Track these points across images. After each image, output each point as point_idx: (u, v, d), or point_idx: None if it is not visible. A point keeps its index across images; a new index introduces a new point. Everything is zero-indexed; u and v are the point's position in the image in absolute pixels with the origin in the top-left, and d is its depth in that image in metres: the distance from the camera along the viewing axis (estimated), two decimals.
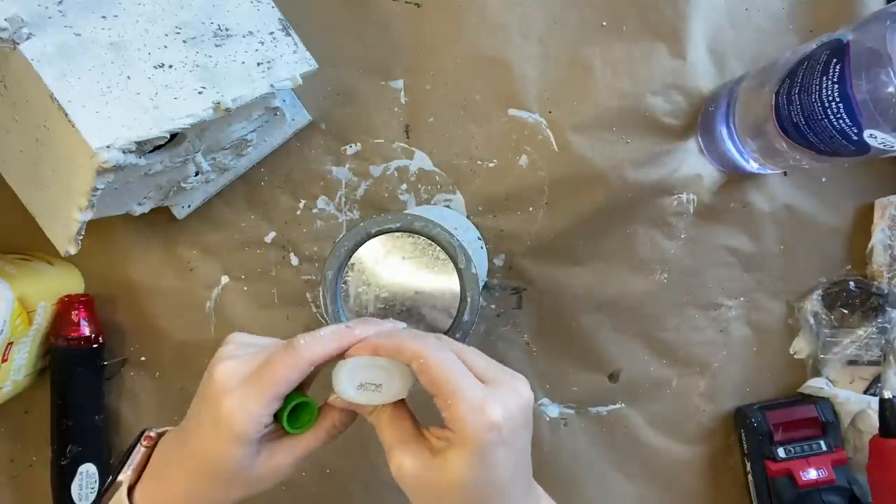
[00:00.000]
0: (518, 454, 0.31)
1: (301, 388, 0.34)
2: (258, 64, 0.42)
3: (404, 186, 0.52)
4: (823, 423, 0.50)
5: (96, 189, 0.37)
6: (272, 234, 0.52)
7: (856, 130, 0.36)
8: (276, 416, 0.32)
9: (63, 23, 0.37)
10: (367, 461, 0.52)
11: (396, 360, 0.31)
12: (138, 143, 0.36)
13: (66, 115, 0.35)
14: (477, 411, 0.29)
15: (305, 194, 0.52)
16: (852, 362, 0.51)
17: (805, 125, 0.39)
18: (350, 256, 0.44)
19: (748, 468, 0.51)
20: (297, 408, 0.33)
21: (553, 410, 0.53)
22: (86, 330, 0.49)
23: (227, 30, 0.42)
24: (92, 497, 0.49)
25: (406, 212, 0.51)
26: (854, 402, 0.50)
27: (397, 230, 0.40)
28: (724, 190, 0.52)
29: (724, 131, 0.48)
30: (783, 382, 0.53)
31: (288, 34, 0.44)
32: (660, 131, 0.52)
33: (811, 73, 0.38)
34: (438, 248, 0.40)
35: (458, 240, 0.39)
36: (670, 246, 0.52)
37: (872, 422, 0.48)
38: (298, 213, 0.52)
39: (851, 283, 0.51)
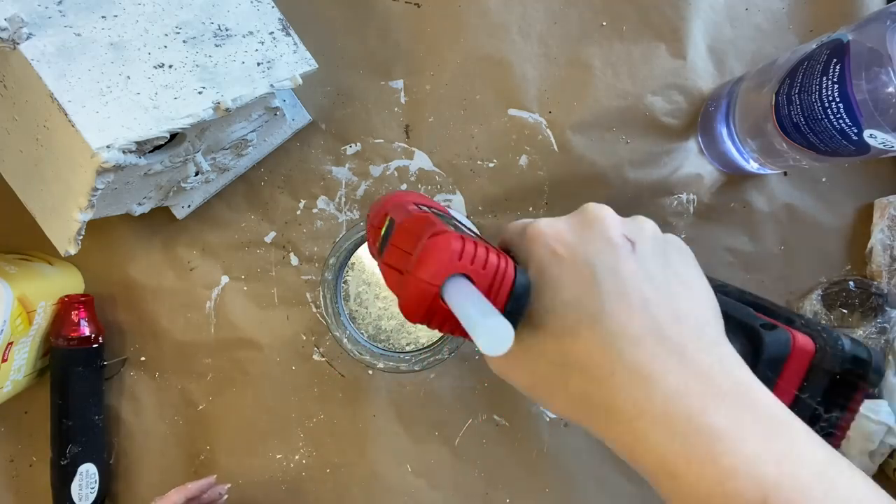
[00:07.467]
0: (604, 276, 0.24)
1: None
2: (258, 64, 0.42)
3: (404, 186, 0.52)
4: None
5: (96, 189, 0.37)
6: (272, 234, 0.52)
7: (856, 130, 0.36)
8: None
9: (63, 23, 0.37)
10: (368, 461, 0.52)
11: None
12: (138, 143, 0.36)
13: (66, 115, 0.35)
14: (521, 232, 0.26)
15: (305, 194, 0.52)
16: None
17: (805, 125, 0.39)
18: (350, 256, 0.44)
19: None
20: None
21: None
22: (86, 330, 0.49)
23: (227, 30, 0.42)
24: (92, 497, 0.49)
25: None
26: None
27: None
28: (724, 190, 0.52)
29: (724, 131, 0.48)
30: None
31: (288, 34, 0.44)
32: (660, 131, 0.52)
33: (811, 73, 0.38)
34: None
35: None
36: None
37: (866, 427, 0.48)
38: (298, 213, 0.52)
39: (851, 283, 0.51)
